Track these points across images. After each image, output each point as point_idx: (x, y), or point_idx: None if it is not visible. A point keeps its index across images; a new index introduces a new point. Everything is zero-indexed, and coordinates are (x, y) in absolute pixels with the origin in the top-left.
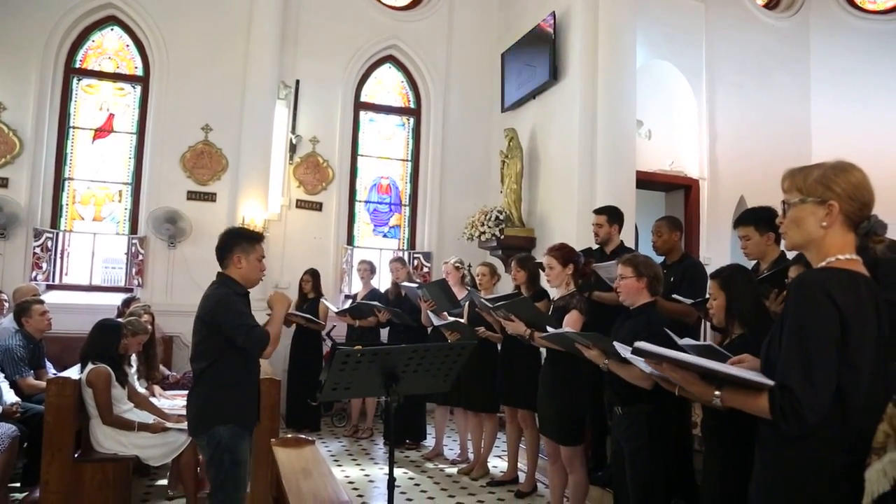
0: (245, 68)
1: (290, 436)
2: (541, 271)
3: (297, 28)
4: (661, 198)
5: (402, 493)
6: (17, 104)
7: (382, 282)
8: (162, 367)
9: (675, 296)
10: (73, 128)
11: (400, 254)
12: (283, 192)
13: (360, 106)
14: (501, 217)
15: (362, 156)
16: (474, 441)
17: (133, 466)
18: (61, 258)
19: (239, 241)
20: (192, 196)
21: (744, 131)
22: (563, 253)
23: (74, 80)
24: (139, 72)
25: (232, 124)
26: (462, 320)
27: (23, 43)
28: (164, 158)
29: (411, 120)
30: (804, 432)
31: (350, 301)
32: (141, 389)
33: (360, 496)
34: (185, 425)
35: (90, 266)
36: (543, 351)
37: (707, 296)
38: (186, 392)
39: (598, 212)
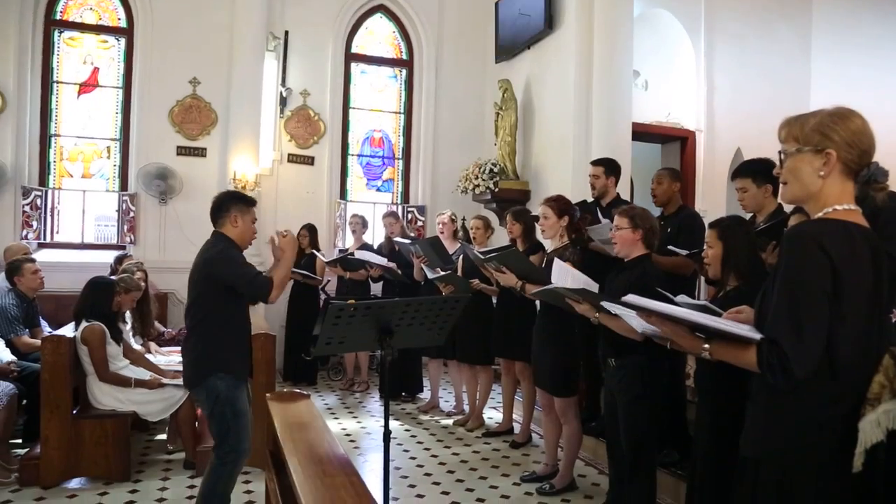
0: (232, 19)
1: (285, 390)
2: (536, 224)
3: None
4: (658, 150)
5: (398, 444)
6: None
7: (376, 236)
8: (157, 324)
9: (670, 247)
10: (57, 82)
11: (393, 208)
12: (274, 147)
13: (351, 58)
14: (495, 170)
15: (354, 109)
16: (469, 393)
17: (132, 422)
18: (52, 216)
19: (235, 202)
20: (182, 151)
21: (742, 83)
22: (559, 204)
23: (56, 33)
24: (122, 23)
25: (220, 77)
26: (456, 273)
27: None
28: (151, 113)
29: (404, 72)
30: (791, 386)
31: (338, 253)
32: (136, 346)
33: (356, 448)
34: (181, 381)
35: (81, 224)
36: (538, 303)
37: (704, 246)
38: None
39: (595, 163)
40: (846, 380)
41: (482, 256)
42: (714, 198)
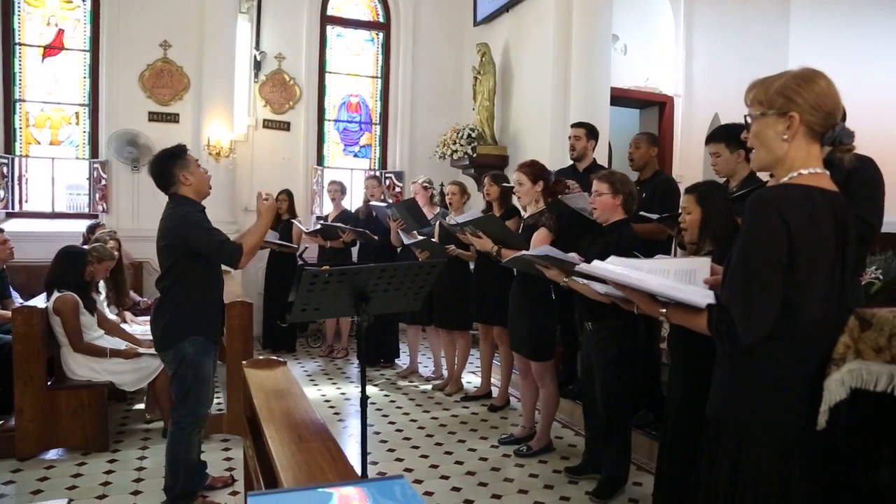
0: None
1: (261, 357)
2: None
3: None
4: (636, 115)
5: (377, 409)
6: None
7: (354, 202)
8: (132, 293)
9: (642, 213)
10: (20, 44)
11: (373, 173)
12: (249, 112)
13: (326, 20)
14: (474, 135)
15: (330, 73)
16: (448, 358)
17: (109, 392)
18: (20, 185)
19: (172, 161)
20: (154, 117)
21: (721, 48)
22: (533, 170)
23: None
24: None
25: (192, 41)
26: (433, 239)
27: None
28: (121, 78)
29: (380, 35)
30: (737, 351)
31: (321, 222)
32: (111, 316)
33: (336, 414)
34: None
35: (51, 192)
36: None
37: (679, 211)
38: None
39: (576, 125)
40: (806, 344)
41: (457, 223)
42: (691, 163)
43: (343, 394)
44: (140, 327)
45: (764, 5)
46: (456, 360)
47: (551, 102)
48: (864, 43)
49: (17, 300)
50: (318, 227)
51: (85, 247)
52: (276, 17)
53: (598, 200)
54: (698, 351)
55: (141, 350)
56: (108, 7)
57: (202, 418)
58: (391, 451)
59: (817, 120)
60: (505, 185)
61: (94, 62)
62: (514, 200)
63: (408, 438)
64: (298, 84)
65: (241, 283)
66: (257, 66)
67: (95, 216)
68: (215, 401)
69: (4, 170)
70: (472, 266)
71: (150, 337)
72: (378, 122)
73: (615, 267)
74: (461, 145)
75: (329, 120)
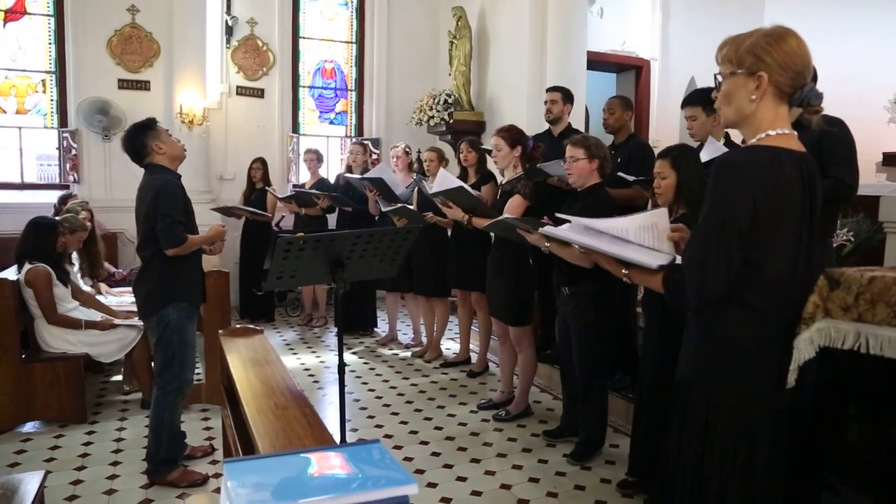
0: None
1: (238, 326)
2: (488, 156)
3: None
4: (612, 79)
5: (357, 377)
6: None
7: (331, 170)
8: (107, 265)
9: (619, 174)
10: None
11: (360, 139)
12: (221, 79)
13: None
14: (450, 101)
15: (304, 38)
16: (427, 325)
17: (86, 364)
18: None
19: (144, 132)
20: (124, 85)
21: (697, 11)
22: (511, 134)
23: None
24: None
25: (160, 5)
26: (411, 206)
27: None
28: (88, 44)
29: None
30: (686, 311)
31: (295, 189)
32: (86, 287)
33: (315, 382)
34: (134, 321)
35: (20, 162)
36: (492, 234)
37: (653, 175)
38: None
39: (552, 89)
40: (771, 305)
41: (430, 193)
42: (668, 127)
43: (322, 362)
44: (115, 298)
45: None
46: (435, 327)
47: (528, 67)
48: (839, 8)
49: None
50: (292, 192)
51: (56, 218)
52: None
53: (574, 166)
54: (672, 314)
55: (117, 321)
56: None
57: (187, 383)
58: (371, 417)
59: (786, 80)
60: (484, 146)
61: (60, 28)
62: (491, 166)
63: (387, 405)
64: (272, 50)
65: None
66: (229, 31)
67: (66, 187)
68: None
69: None
70: (450, 233)
71: (126, 308)
72: (354, 88)
73: (573, 233)
74: (438, 111)
75: (304, 86)
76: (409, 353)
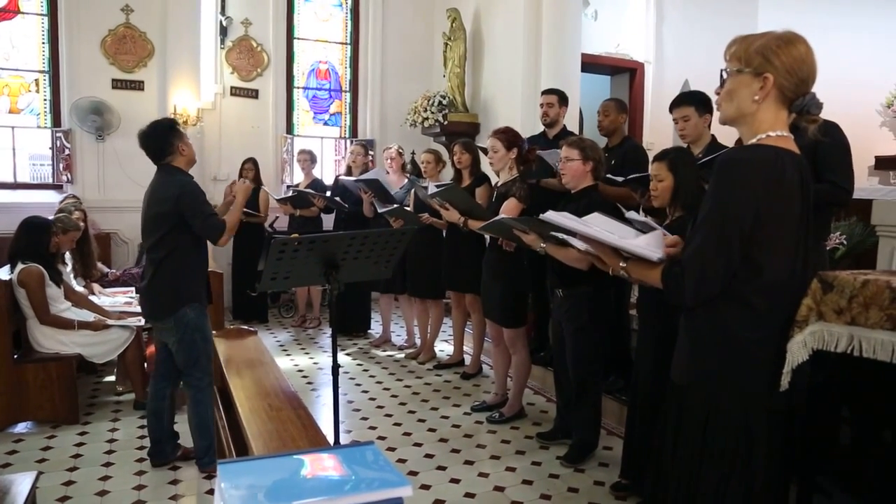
0: None
1: (232, 327)
2: (483, 155)
3: None
4: (607, 81)
5: (350, 378)
6: None
7: (325, 171)
8: (100, 265)
9: (609, 175)
10: None
11: (361, 141)
12: (215, 80)
13: None
14: (445, 102)
15: (298, 39)
16: (421, 327)
17: (79, 364)
18: None
19: (173, 131)
20: (118, 85)
21: (691, 12)
22: (507, 136)
23: None
24: None
25: (155, 5)
26: (407, 206)
27: None
28: (82, 44)
29: (349, 0)
30: (680, 306)
31: (293, 189)
32: (79, 288)
33: (309, 384)
34: (127, 321)
35: (13, 162)
36: (487, 236)
37: (649, 177)
38: (126, 289)
39: (548, 92)
40: (770, 305)
41: (426, 193)
42: (662, 130)
43: (316, 363)
44: (108, 299)
45: None
46: (429, 329)
47: (522, 69)
48: (833, 11)
49: None
50: (290, 193)
51: (49, 217)
52: None
53: (568, 166)
54: (667, 316)
55: (110, 322)
56: None
57: (212, 375)
58: (364, 419)
59: (790, 85)
60: (479, 146)
61: (53, 27)
62: (485, 167)
63: (381, 407)
64: (266, 50)
65: (212, 255)
66: (223, 31)
67: (59, 186)
68: None
69: None
70: (444, 234)
71: (119, 309)
72: (348, 89)
73: (574, 222)
74: (432, 113)
75: (298, 87)
76: (402, 355)
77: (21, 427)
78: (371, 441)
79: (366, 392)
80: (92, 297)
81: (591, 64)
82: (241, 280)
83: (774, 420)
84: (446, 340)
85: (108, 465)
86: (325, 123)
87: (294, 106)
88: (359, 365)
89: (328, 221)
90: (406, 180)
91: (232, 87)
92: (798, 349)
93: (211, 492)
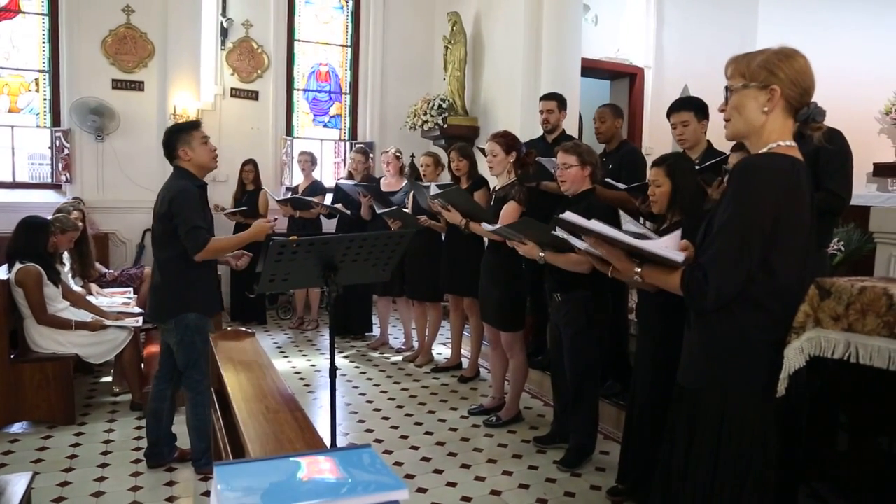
0: None
1: (229, 329)
2: (480, 159)
3: None
4: (606, 86)
5: (348, 381)
6: None
7: (325, 173)
8: (98, 265)
9: (608, 180)
10: None
11: (362, 146)
12: (216, 81)
13: None
14: (444, 105)
15: (299, 41)
16: (418, 330)
17: (76, 365)
18: None
19: (177, 135)
20: (118, 85)
21: (691, 18)
22: (506, 140)
23: None
24: None
25: (155, 6)
26: (406, 209)
27: None
28: (82, 44)
29: (350, 2)
30: (703, 311)
31: (291, 193)
32: (77, 288)
33: (306, 386)
34: (125, 322)
35: (11, 161)
36: (485, 239)
37: (647, 182)
38: (124, 289)
39: (548, 97)
40: (783, 309)
41: (427, 195)
42: (661, 135)
43: (313, 366)
44: (106, 299)
45: None
46: (427, 332)
47: (522, 73)
48: (833, 15)
49: None
50: (288, 196)
51: (47, 217)
52: None
53: (567, 172)
54: (666, 321)
55: (107, 322)
56: None
57: (210, 377)
58: (361, 422)
59: (795, 95)
60: (477, 147)
61: (54, 27)
62: (483, 171)
63: (378, 409)
64: (266, 52)
65: None
66: (224, 33)
67: (58, 186)
68: None
69: None
70: (443, 237)
71: (117, 309)
72: (348, 91)
73: (594, 222)
74: (432, 116)
75: (298, 89)
76: (400, 358)
77: (17, 427)
78: (368, 444)
79: (363, 395)
80: (90, 298)
81: (591, 69)
82: (240, 282)
83: (782, 421)
84: (444, 344)
85: (104, 465)
86: (325, 126)
87: (294, 108)
88: (356, 367)
89: (329, 224)
90: (404, 182)
91: (232, 89)
92: (794, 355)
93: (207, 494)
